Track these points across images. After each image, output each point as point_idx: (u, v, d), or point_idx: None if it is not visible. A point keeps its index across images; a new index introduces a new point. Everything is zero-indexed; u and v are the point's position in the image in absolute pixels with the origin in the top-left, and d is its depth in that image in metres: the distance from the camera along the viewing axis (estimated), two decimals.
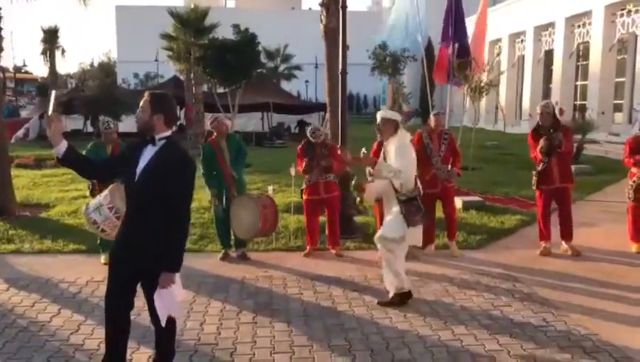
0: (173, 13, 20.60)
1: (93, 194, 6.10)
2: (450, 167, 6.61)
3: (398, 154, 5.00)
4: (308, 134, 6.71)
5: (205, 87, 23.58)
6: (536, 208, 7.06)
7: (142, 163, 3.27)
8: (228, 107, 18.63)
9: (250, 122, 26.70)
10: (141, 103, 3.33)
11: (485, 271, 6.06)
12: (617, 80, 22.74)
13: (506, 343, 4.24)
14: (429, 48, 27.32)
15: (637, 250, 6.71)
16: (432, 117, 6.90)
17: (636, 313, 4.84)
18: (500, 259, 6.57)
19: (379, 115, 5.33)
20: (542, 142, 6.52)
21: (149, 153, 3.29)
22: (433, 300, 5.20)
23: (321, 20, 8.72)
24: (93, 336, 4.36)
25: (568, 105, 24.80)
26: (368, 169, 5.42)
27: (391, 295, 5.09)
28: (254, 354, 4.07)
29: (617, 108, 22.97)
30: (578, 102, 25.55)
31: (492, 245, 7.24)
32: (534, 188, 6.79)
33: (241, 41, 17.26)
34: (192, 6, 19.74)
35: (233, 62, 16.45)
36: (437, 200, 6.75)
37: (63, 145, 3.26)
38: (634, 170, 6.68)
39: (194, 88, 20.10)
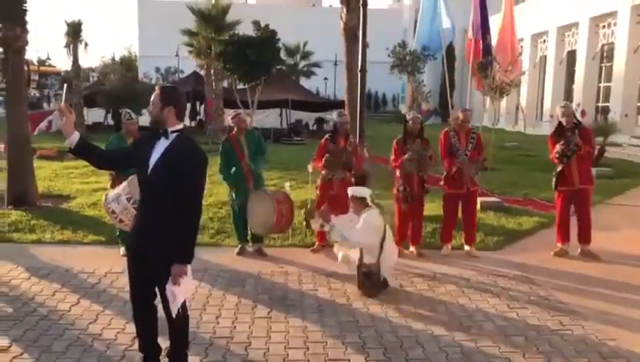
0: (194, 9, 20.72)
1: (113, 187, 6.19)
2: (467, 155, 6.50)
3: (361, 225, 5.25)
4: (334, 116, 6.70)
5: (225, 83, 23.73)
6: (555, 210, 6.99)
7: (154, 155, 3.30)
8: (247, 103, 18.72)
9: (269, 118, 26.78)
10: (152, 97, 3.36)
11: (502, 273, 6.02)
12: None
13: (521, 345, 4.22)
14: (449, 47, 27.15)
15: None
16: (459, 113, 6.82)
17: None
18: (517, 260, 6.52)
19: (349, 192, 5.56)
20: (557, 147, 6.45)
21: (161, 146, 3.32)
22: (448, 300, 5.18)
23: (341, 18, 8.73)
24: (111, 326, 4.43)
25: (590, 107, 24.43)
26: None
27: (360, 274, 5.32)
28: (268, 349, 4.10)
29: None
30: (600, 104, 25.16)
31: (509, 247, 7.18)
32: (554, 189, 6.73)
33: (261, 37, 17.31)
34: (213, 2, 19.84)
35: (253, 59, 16.51)
36: (459, 201, 6.70)
37: (75, 135, 3.31)
38: None
39: (214, 84, 20.20)
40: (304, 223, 6.51)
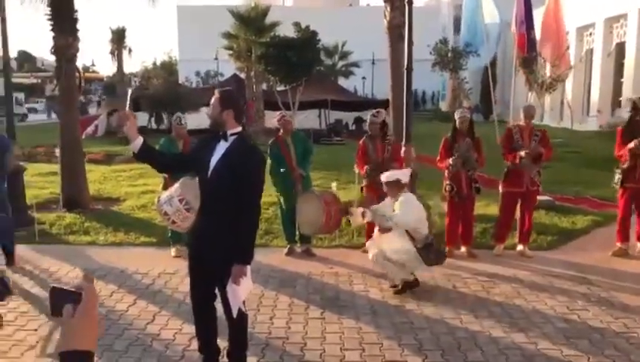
0: (234, 12, 20.96)
1: (165, 188, 6.29)
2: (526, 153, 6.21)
3: (402, 206, 5.23)
4: (368, 118, 6.61)
5: (264, 85, 23.93)
6: (617, 207, 6.74)
7: (215, 157, 3.35)
8: (288, 104, 18.81)
9: (308, 119, 26.84)
10: (212, 101, 3.40)
11: (557, 273, 5.85)
12: None
13: (585, 349, 4.08)
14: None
15: None
16: (521, 110, 6.62)
17: None
18: (572, 260, 6.32)
19: (382, 179, 5.54)
20: (635, 143, 6.13)
21: (221, 148, 3.36)
22: (504, 301, 5.07)
23: (385, 16, 8.65)
24: (169, 327, 4.51)
25: None
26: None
27: (400, 285, 5.30)
28: (324, 350, 4.09)
29: None
30: None
31: (563, 246, 6.98)
32: (616, 186, 6.47)
33: (302, 38, 17.37)
34: (253, 4, 20.04)
35: (294, 60, 16.59)
36: (518, 200, 6.51)
37: (139, 140, 3.38)
38: None
39: (254, 86, 20.38)
40: (346, 221, 6.44)
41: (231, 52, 22.30)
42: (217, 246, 3.33)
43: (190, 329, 4.02)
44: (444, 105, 40.38)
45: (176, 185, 5.26)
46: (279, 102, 18.81)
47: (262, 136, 17.17)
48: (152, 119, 27.61)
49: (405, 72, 7.08)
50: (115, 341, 4.24)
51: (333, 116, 27.53)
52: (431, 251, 5.26)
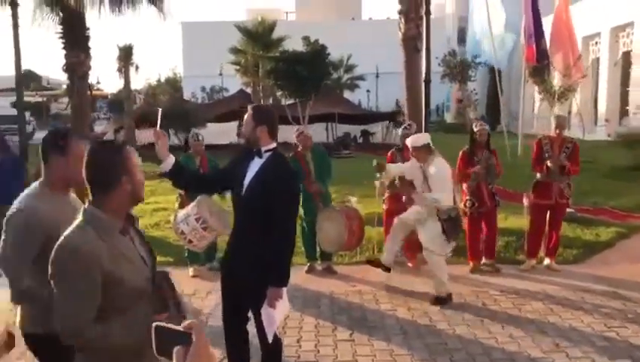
0: (241, 28, 21.00)
1: (182, 207, 6.17)
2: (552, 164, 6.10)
3: (437, 181, 5.24)
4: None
5: (270, 99, 23.91)
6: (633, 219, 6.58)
7: (249, 175, 3.24)
8: (298, 118, 18.77)
9: (316, 133, 26.77)
10: (245, 117, 3.31)
11: (588, 288, 5.68)
12: None
13: None
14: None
15: None
16: (552, 120, 6.47)
17: None
18: (600, 274, 6.15)
19: (409, 144, 5.51)
20: None
21: (255, 165, 3.25)
22: (537, 319, 4.90)
23: (400, 28, 8.56)
24: None
25: None
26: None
27: (436, 295, 5.37)
28: None
29: None
30: None
31: (590, 259, 6.81)
32: None
33: (311, 52, 17.35)
34: (260, 19, 20.08)
35: (304, 74, 16.54)
36: (547, 212, 6.35)
37: (171, 158, 3.27)
38: None
39: (262, 100, 20.35)
40: (377, 175, 6.22)
41: (238, 67, 22.31)
42: (252, 266, 3.21)
43: (219, 352, 3.86)
44: (449, 117, 40.34)
45: (193, 203, 5.12)
46: (289, 116, 18.77)
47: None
48: None
49: (424, 83, 6.96)
50: None
51: (340, 129, 27.48)
52: (454, 225, 5.24)
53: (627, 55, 26.45)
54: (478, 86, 32.65)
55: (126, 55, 22.86)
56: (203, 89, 42.59)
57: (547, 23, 15.72)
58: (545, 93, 14.09)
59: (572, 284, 5.84)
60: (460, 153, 6.46)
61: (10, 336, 2.84)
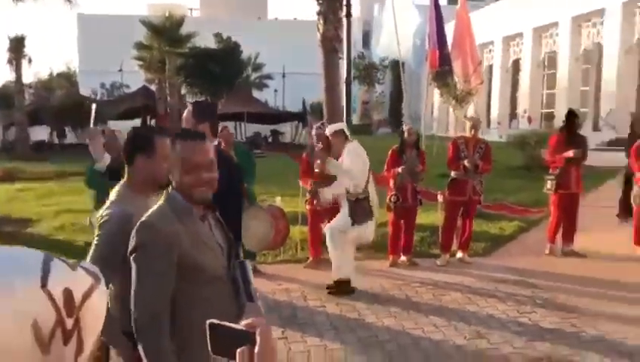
0: (146, 23, 20.19)
1: (97, 207, 5.85)
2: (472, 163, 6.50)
3: (349, 156, 5.49)
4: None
5: (176, 97, 23.17)
6: (535, 213, 7.22)
7: None
8: None
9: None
10: (184, 114, 3.21)
11: (500, 278, 6.08)
12: (582, 88, 23.52)
13: (546, 351, 4.24)
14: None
15: None
16: (466, 122, 6.92)
17: None
18: (509, 265, 6.62)
19: (328, 131, 5.79)
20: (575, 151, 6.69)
21: None
22: (458, 308, 5.18)
23: (318, 29, 8.66)
24: None
25: (536, 114, 25.46)
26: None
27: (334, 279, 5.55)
28: None
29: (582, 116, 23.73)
30: (544, 111, 26.28)
31: (497, 252, 7.31)
32: (550, 192, 6.90)
33: (224, 49, 17.03)
34: (167, 14, 19.40)
35: (216, 71, 16.20)
36: (461, 208, 6.71)
37: (107, 158, 3.10)
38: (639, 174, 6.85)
39: (168, 98, 19.70)
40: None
41: (141, 63, 21.41)
42: None
43: None
44: (355, 118, 41.37)
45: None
46: None
47: None
48: (54, 133, 25.91)
49: (345, 85, 7.10)
50: None
51: (250, 129, 27.29)
52: (359, 208, 5.44)
53: (517, 63, 28.65)
54: (387, 89, 33.84)
55: (17, 46, 21.16)
56: (102, 85, 40.46)
57: (449, 29, 16.59)
58: (447, 96, 14.81)
59: (485, 275, 6.23)
60: (390, 151, 6.68)
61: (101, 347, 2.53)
